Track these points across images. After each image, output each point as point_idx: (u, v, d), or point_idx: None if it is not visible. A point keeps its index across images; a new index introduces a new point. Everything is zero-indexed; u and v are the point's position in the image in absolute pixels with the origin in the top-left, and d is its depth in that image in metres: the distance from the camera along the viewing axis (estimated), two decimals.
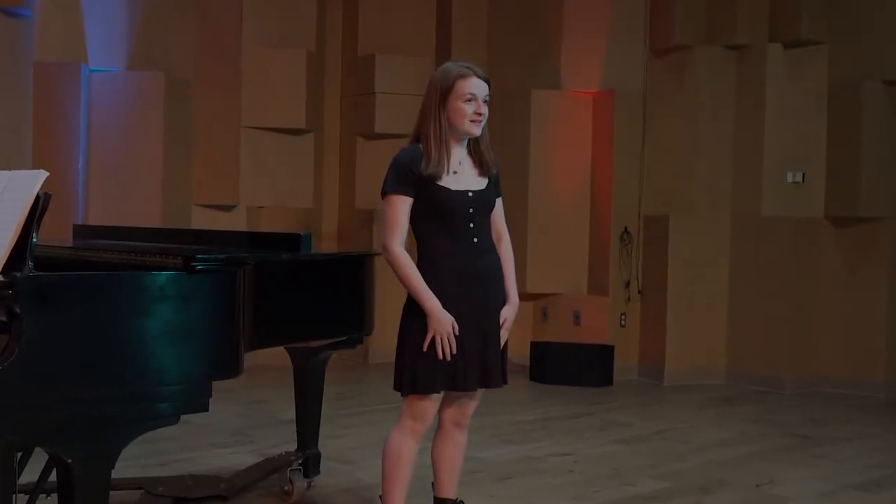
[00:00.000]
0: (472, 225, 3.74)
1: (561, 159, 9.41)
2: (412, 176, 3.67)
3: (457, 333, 3.66)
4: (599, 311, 9.24)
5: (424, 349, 3.64)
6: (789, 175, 8.83)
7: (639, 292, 9.27)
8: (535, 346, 9.14)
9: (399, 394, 3.81)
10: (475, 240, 3.76)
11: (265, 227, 9.34)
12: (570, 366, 8.84)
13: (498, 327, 3.85)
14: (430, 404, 3.75)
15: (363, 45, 10.00)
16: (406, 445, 3.79)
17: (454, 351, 3.64)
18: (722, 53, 9.05)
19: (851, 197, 8.66)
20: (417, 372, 3.69)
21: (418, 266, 3.71)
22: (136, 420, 3.20)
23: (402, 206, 3.69)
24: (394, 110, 9.64)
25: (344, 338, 4.69)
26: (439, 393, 3.73)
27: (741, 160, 9.01)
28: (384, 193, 3.72)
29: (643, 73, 9.31)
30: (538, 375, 8.96)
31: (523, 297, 9.43)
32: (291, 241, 4.31)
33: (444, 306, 3.66)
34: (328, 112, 10.18)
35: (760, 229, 8.85)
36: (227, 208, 9.39)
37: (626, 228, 9.22)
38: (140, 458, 5.53)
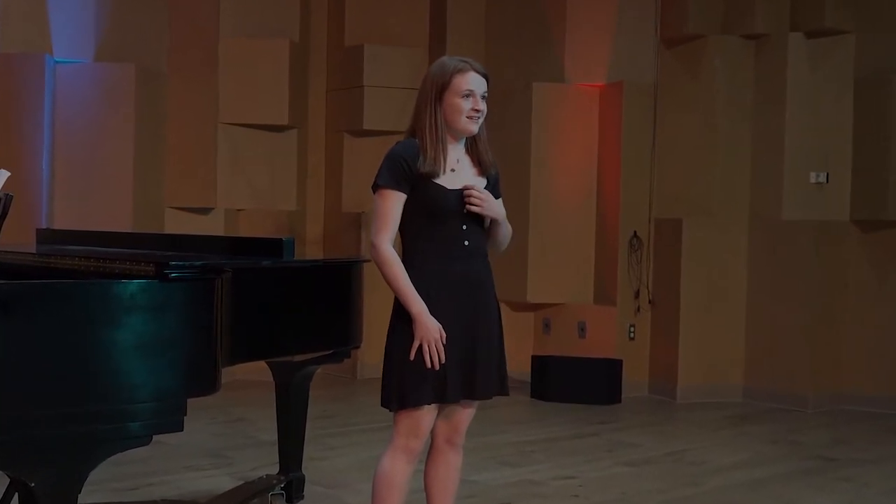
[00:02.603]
0: (464, 227, 3.78)
1: (565, 158, 9.42)
2: (408, 172, 3.71)
3: (444, 341, 3.68)
4: (606, 323, 9.25)
5: (411, 357, 3.66)
6: (812, 175, 8.85)
7: (649, 302, 9.28)
8: (537, 361, 9.15)
9: (388, 411, 3.81)
10: (465, 242, 3.79)
11: (244, 231, 9.36)
12: (575, 382, 8.84)
13: (489, 335, 3.85)
14: (422, 419, 3.75)
15: (351, 35, 10.02)
16: (399, 468, 3.80)
17: (443, 360, 3.66)
18: (739, 43, 9.07)
19: (879, 199, 8.67)
20: (405, 384, 3.71)
21: (406, 268, 3.73)
22: (104, 440, 3.20)
23: (394, 202, 3.73)
24: (384, 105, 9.65)
25: (330, 351, 4.70)
26: (431, 405, 3.73)
27: (760, 159, 9.03)
28: (377, 186, 3.75)
29: (654, 64, 9.33)
30: (540, 392, 8.97)
31: (524, 307, 9.55)
32: (273, 247, 4.32)
33: (430, 311, 3.69)
34: (313, 107, 10.19)
35: (781, 234, 8.86)
36: (203, 211, 9.40)
37: (635, 233, 9.24)
38: (109, 482, 5.53)
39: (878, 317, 8.76)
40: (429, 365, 3.65)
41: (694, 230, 9.03)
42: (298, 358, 4.84)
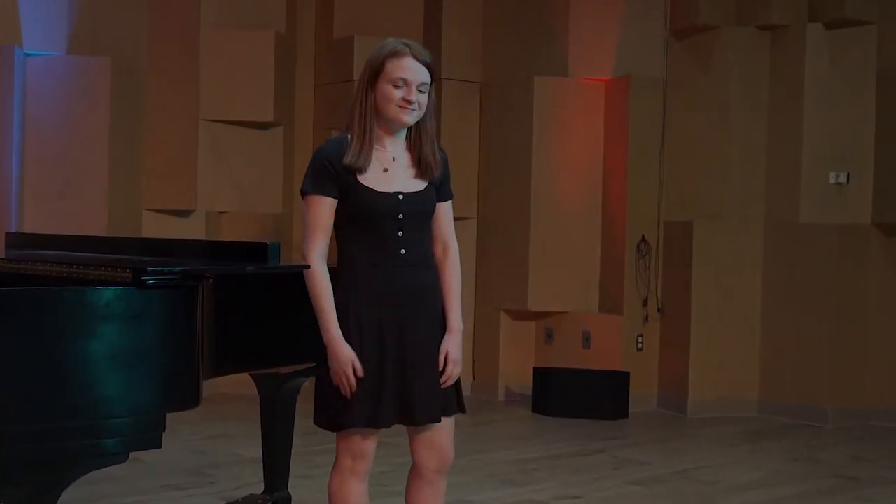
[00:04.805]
0: (400, 233, 3.67)
1: (568, 157, 9.43)
2: (333, 173, 3.63)
3: (358, 375, 3.58)
4: (612, 333, 9.26)
5: (335, 384, 3.60)
6: (832, 175, 8.85)
7: (658, 310, 9.29)
8: (539, 373, 9.15)
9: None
10: (402, 251, 3.67)
11: (227, 235, 9.36)
12: (579, 395, 8.85)
13: (428, 354, 3.72)
14: (364, 438, 3.69)
15: (340, 26, 10.02)
16: (351, 488, 3.75)
17: (353, 391, 3.58)
18: (754, 35, 9.07)
19: None
20: (334, 404, 3.65)
21: (337, 278, 3.67)
22: (78, 458, 3.20)
23: (322, 208, 3.65)
24: None
25: (318, 363, 4.69)
26: (368, 427, 3.67)
27: (776, 158, 9.03)
28: (302, 193, 3.69)
29: (663, 57, 9.34)
30: (542, 406, 8.97)
31: (524, 316, 9.58)
32: (257, 252, 4.31)
33: (365, 328, 3.63)
34: (300, 103, 10.19)
35: (798, 238, 8.87)
36: (184, 213, 9.40)
37: (643, 237, 9.25)
38: (82, 503, 5.52)
39: None
40: (345, 393, 3.58)
41: (705, 234, 9.04)
42: (284, 370, 4.84)
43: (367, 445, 3.71)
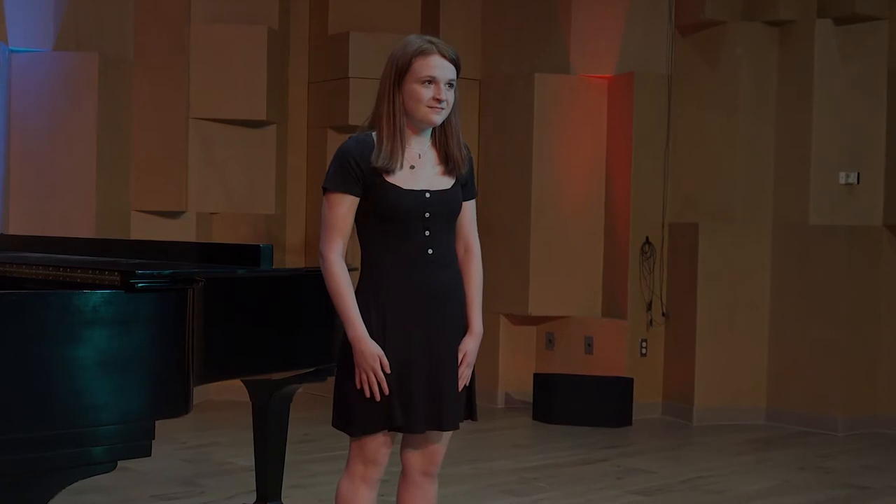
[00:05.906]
0: (427, 232, 3.68)
1: (570, 157, 9.43)
2: (358, 170, 3.63)
3: (387, 371, 3.58)
4: (616, 338, 9.25)
5: (358, 386, 3.60)
6: (842, 176, 8.86)
7: (662, 315, 9.29)
8: (540, 379, 9.15)
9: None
10: (430, 251, 3.68)
11: (218, 237, 9.35)
12: (581, 402, 8.85)
13: (456, 357, 3.74)
14: (379, 445, 3.69)
15: (335, 22, 10.02)
16: (360, 495, 3.74)
17: (385, 391, 3.58)
18: (762, 31, 9.08)
19: None
20: (351, 410, 3.64)
21: (361, 279, 3.69)
22: (64, 467, 3.20)
23: (343, 207, 3.66)
24: (370, 98, 9.56)
25: (312, 369, 4.70)
26: (386, 432, 3.69)
27: (784, 158, 9.04)
28: (324, 190, 3.70)
29: (668, 54, 9.34)
30: (543, 414, 8.97)
31: (525, 320, 9.58)
32: (249, 255, 4.33)
33: (389, 330, 3.62)
34: (293, 101, 10.19)
35: (807, 240, 8.87)
36: (173, 215, 9.39)
37: (647, 239, 9.24)
38: None
39: None
40: (367, 395, 3.58)
41: (712, 236, 9.04)
42: (277, 376, 4.84)
43: (380, 453, 3.71)
